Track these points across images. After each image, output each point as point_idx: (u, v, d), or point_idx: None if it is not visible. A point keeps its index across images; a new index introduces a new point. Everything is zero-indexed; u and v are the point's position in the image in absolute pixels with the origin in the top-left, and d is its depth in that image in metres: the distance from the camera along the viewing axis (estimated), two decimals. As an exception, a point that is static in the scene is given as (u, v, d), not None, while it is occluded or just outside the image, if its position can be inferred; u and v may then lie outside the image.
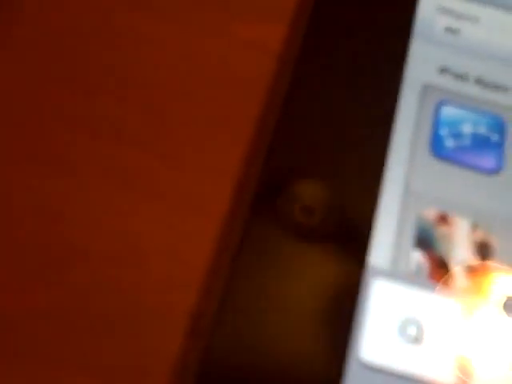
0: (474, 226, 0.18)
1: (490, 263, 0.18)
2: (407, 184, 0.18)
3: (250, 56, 0.22)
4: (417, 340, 0.17)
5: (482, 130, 0.20)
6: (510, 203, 0.19)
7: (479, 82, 0.20)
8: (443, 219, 0.18)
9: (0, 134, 0.20)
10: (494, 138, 0.19)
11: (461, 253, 0.18)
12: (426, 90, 0.20)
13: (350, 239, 0.17)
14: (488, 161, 0.19)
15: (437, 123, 0.19)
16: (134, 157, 0.20)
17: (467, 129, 0.19)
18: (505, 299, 0.17)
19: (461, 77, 0.20)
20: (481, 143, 0.19)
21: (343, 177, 0.18)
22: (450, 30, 0.21)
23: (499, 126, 0.20)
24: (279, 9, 0.23)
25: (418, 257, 0.18)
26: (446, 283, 0.17)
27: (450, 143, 0.19)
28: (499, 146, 0.19)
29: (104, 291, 0.18)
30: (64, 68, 0.21)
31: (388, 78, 0.20)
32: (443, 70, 0.20)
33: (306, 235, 0.18)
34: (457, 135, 0.19)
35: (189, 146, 0.20)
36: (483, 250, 0.18)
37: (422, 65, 0.20)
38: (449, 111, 0.20)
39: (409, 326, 0.17)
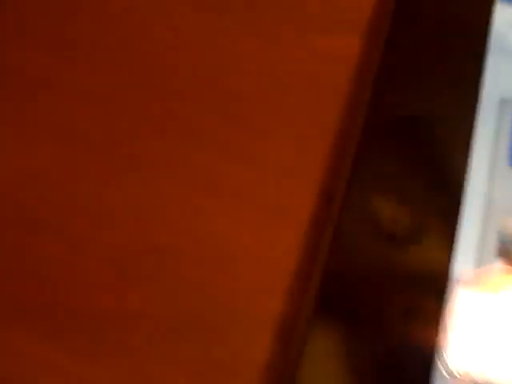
0: (553, 237, 0.19)
1: None
2: (488, 195, 0.19)
3: (327, 66, 0.23)
4: (499, 347, 0.18)
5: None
6: None
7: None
8: (523, 229, 0.19)
9: (99, 147, 0.21)
10: None
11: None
12: (504, 103, 0.21)
13: (436, 249, 0.19)
14: None
15: (514, 137, 0.20)
16: (221, 163, 0.21)
17: (544, 143, 0.20)
18: None
19: (537, 92, 0.21)
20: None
21: (428, 189, 0.19)
22: (524, 45, 0.22)
23: None
24: (355, 21, 0.23)
25: (499, 265, 0.18)
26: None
27: (528, 156, 0.20)
28: None
29: (194, 293, 0.19)
30: (145, 73, 0.22)
31: (467, 91, 0.21)
32: (519, 85, 0.21)
33: (392, 244, 0.19)
34: (534, 149, 0.20)
35: (274, 152, 0.21)
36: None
37: (498, 79, 0.21)
38: (526, 125, 0.21)
39: (492, 333, 0.18)
